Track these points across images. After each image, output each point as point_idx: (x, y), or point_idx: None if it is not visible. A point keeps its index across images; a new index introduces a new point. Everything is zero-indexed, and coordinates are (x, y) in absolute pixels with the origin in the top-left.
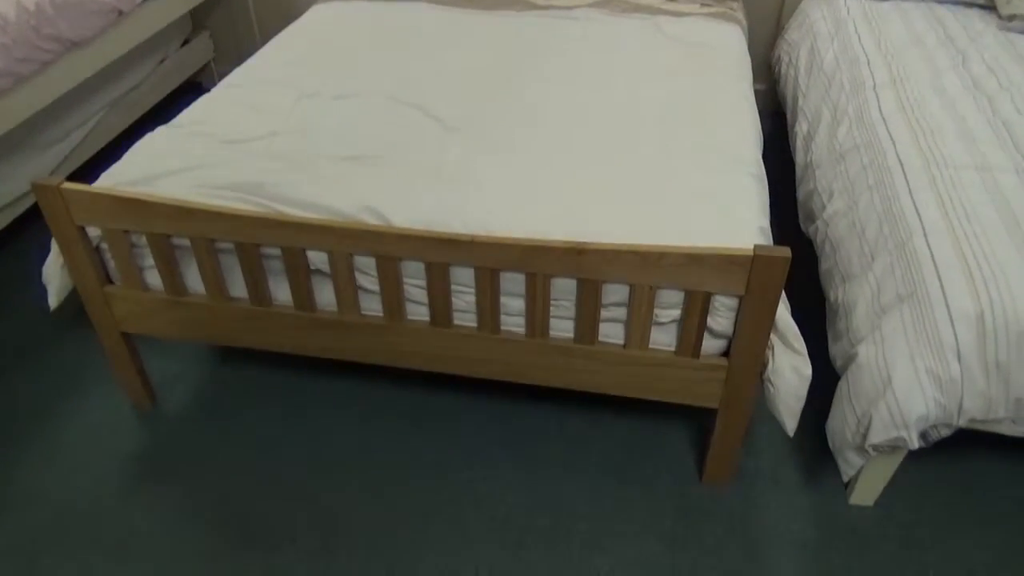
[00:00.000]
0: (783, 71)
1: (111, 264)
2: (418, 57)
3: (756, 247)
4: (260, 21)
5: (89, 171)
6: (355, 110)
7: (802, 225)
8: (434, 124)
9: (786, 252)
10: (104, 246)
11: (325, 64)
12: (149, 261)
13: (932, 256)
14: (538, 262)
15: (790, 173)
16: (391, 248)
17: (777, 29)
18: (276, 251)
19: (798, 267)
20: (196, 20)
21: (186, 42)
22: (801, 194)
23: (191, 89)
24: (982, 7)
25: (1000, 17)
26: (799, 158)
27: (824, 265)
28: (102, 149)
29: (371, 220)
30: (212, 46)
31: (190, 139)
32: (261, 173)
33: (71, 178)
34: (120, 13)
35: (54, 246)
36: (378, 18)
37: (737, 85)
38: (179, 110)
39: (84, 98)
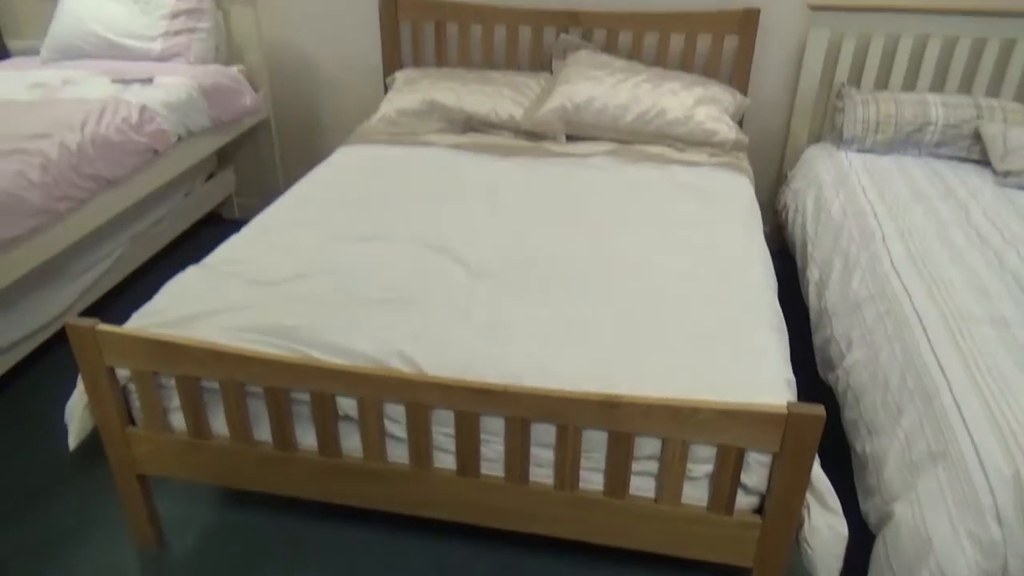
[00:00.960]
0: (790, 217)
1: (135, 404)
2: (442, 201)
3: (789, 405)
4: (283, 156)
5: (109, 303)
6: (383, 253)
7: (820, 372)
8: (461, 269)
9: (819, 411)
10: (131, 387)
11: (352, 207)
12: (175, 402)
13: (961, 414)
14: (571, 414)
15: (797, 311)
16: (423, 396)
17: (779, 175)
18: (304, 395)
19: None
20: (221, 154)
21: (211, 176)
22: (818, 340)
23: (211, 220)
24: (977, 162)
25: (995, 173)
26: (812, 303)
27: (848, 415)
28: (122, 280)
29: (402, 366)
30: (235, 179)
31: (222, 280)
32: (292, 316)
33: (89, 311)
34: (155, 152)
35: (80, 385)
36: (402, 162)
37: (750, 234)
38: (199, 241)
39: (109, 232)
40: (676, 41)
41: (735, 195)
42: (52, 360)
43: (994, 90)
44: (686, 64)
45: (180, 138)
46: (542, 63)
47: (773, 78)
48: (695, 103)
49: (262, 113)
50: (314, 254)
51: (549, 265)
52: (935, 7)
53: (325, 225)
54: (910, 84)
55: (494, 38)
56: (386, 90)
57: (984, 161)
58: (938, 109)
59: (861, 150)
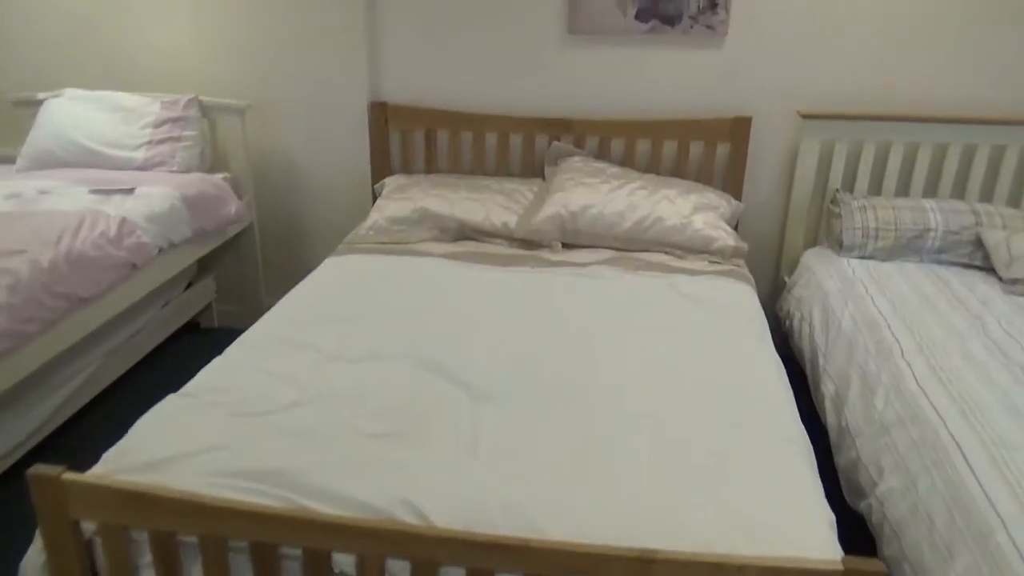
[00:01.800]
0: (795, 326)
1: (100, 560)
2: (437, 315)
3: (845, 561)
4: (267, 263)
5: (83, 419)
6: (378, 376)
7: (848, 497)
8: (462, 393)
9: (878, 567)
10: (96, 539)
11: (343, 323)
12: (146, 558)
13: (1021, 555)
14: (600, 571)
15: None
16: (431, 552)
17: (775, 280)
18: (296, 551)
19: (850, 544)
20: (202, 261)
21: (190, 284)
22: (842, 461)
23: (190, 328)
24: (980, 268)
25: (1002, 280)
26: (831, 420)
27: (888, 550)
28: (99, 394)
29: (405, 515)
30: (215, 287)
31: (204, 412)
32: (282, 456)
33: (63, 430)
34: (134, 267)
35: (38, 540)
36: (393, 274)
37: (763, 348)
38: (178, 350)
39: (82, 349)
40: (669, 148)
41: (741, 305)
42: (6, 499)
43: (987, 195)
44: (679, 170)
45: (161, 250)
46: (534, 169)
47: (766, 183)
48: (692, 210)
49: (245, 220)
50: (304, 379)
51: (556, 386)
52: (924, 116)
53: (315, 344)
54: (903, 190)
55: (485, 145)
56: (375, 197)
57: (987, 268)
58: (936, 215)
59: (862, 256)
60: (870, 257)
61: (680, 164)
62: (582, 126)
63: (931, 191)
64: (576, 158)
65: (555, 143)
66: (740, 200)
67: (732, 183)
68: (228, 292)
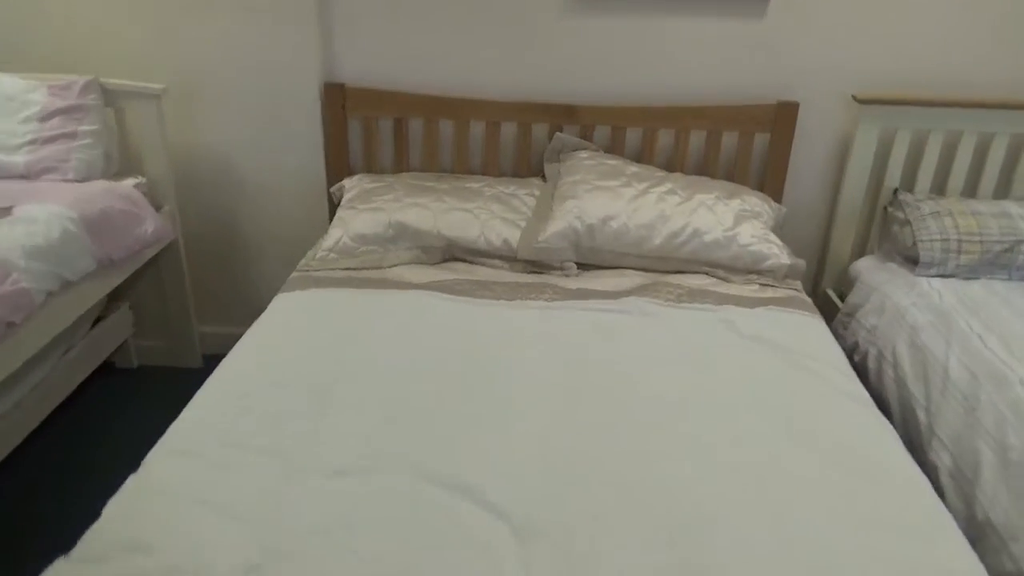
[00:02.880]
0: (871, 365)
1: None
2: (439, 388)
3: None
4: (197, 286)
5: None
6: (370, 503)
7: None
8: (501, 528)
9: None
10: None
11: (309, 406)
12: None
13: None
14: None
15: None
16: None
17: (814, 294)
18: None
19: None
20: (113, 290)
21: (99, 319)
22: (994, 563)
23: (103, 370)
24: None
25: None
26: (953, 503)
27: None
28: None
29: None
30: (131, 319)
31: None
32: None
33: None
34: (10, 325)
35: None
36: (368, 319)
37: (864, 409)
38: (87, 401)
39: None
40: (696, 139)
41: (820, 350)
42: None
43: None
44: (709, 167)
45: (51, 294)
46: (530, 166)
47: (808, 181)
48: (735, 219)
49: (167, 238)
50: (260, 516)
51: (625, 500)
52: (1002, 101)
53: (272, 447)
54: (969, 190)
55: (469, 137)
56: (331, 201)
57: None
58: (1022, 222)
59: (942, 274)
60: (951, 275)
61: (709, 159)
62: (590, 113)
63: (1002, 192)
64: (584, 153)
65: (558, 134)
66: (780, 202)
67: (772, 182)
68: (149, 323)
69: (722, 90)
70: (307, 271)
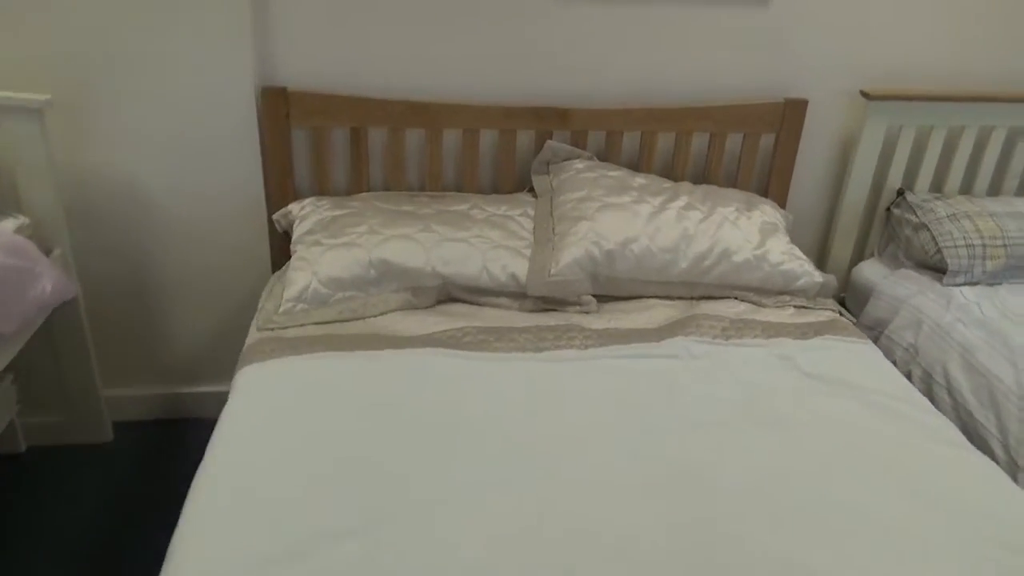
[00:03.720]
0: (919, 387)
1: None
2: (461, 464)
3: None
4: (103, 348)
5: None
6: None
7: None
8: None
9: None
10: None
11: (354, 516)
12: None
13: None
14: None
15: None
16: None
17: None
18: None
19: None
20: None
21: None
22: None
23: None
24: None
25: None
26: None
27: None
28: None
29: None
30: (15, 396)
31: None
32: None
33: None
34: None
35: None
36: (375, 391)
37: (957, 452)
38: None
39: None
40: (698, 142)
41: (890, 385)
42: None
43: None
44: (710, 174)
45: None
46: (514, 181)
47: (805, 184)
48: (760, 234)
49: (70, 293)
50: None
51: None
52: (1008, 95)
53: None
54: (966, 186)
55: (442, 148)
56: (272, 231)
57: None
58: None
59: (969, 282)
60: (975, 282)
61: (712, 164)
62: (585, 117)
63: (996, 187)
64: (579, 163)
65: (550, 142)
66: (785, 208)
67: (778, 187)
68: (40, 396)
69: (722, 88)
70: (272, 330)
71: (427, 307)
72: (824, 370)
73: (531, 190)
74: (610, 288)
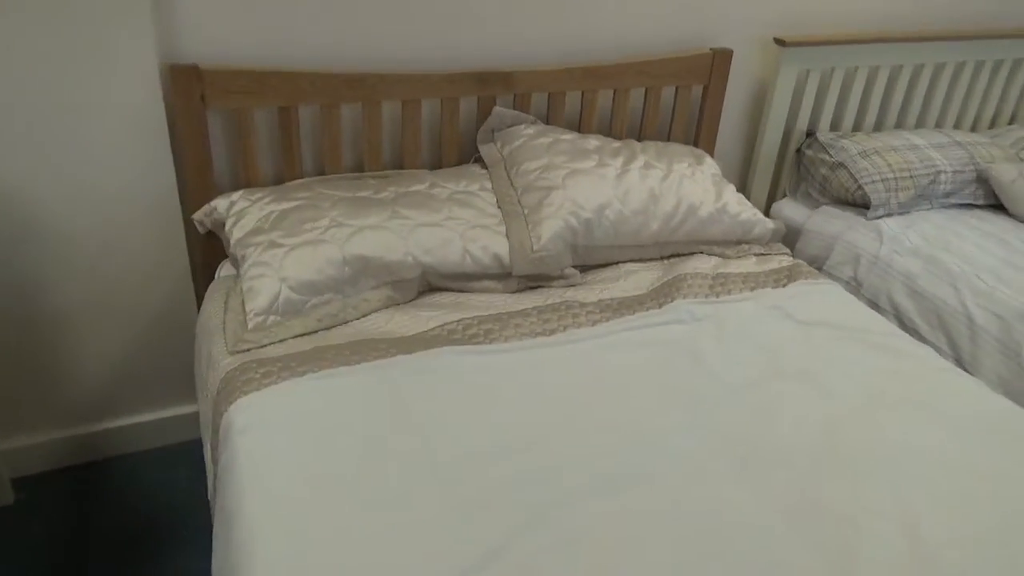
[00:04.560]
0: None
1: None
2: (570, 466)
3: None
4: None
5: None
6: None
7: None
8: None
9: None
10: None
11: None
12: None
13: None
14: None
15: None
16: None
17: None
18: None
19: None
20: None
21: None
22: None
23: None
24: (985, 207)
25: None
26: None
27: None
28: None
29: None
30: None
31: None
32: None
33: None
34: None
35: None
36: (400, 415)
37: (992, 400)
38: None
39: None
40: (635, 98)
41: (872, 321)
42: None
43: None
44: (646, 129)
45: None
46: (459, 152)
47: (724, 130)
48: (715, 187)
49: None
50: None
51: None
52: (906, 35)
53: None
54: (858, 125)
55: (381, 121)
56: (191, 235)
57: (994, 205)
58: (934, 153)
59: (887, 214)
60: (891, 214)
61: (649, 118)
62: (527, 79)
63: (879, 125)
64: (528, 129)
65: (497, 108)
66: (713, 157)
67: (706, 136)
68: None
69: (649, 43)
70: (248, 350)
71: (410, 301)
72: (814, 316)
73: (477, 160)
74: (587, 257)
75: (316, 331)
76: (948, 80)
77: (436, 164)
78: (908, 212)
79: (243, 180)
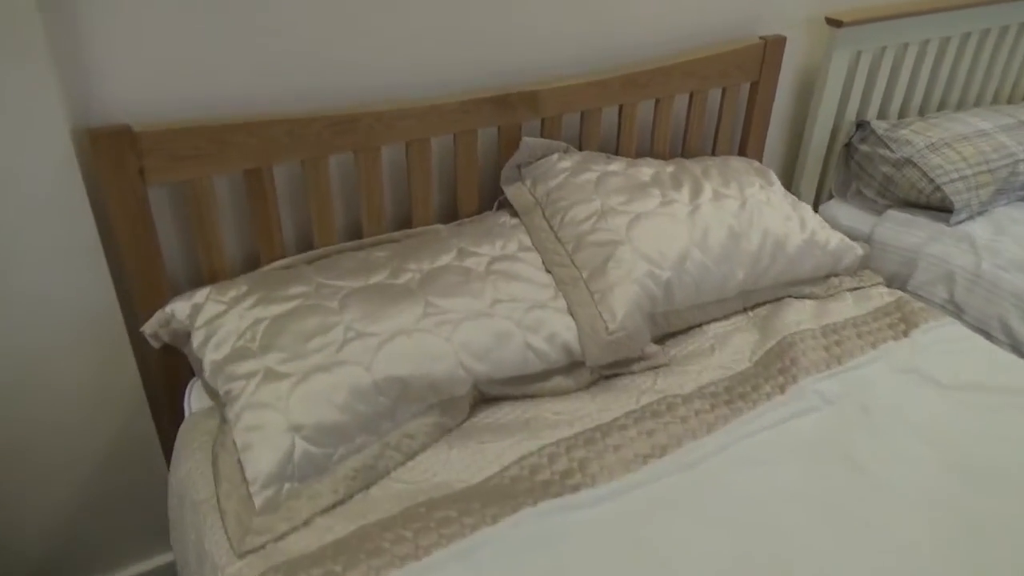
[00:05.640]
0: None
1: None
2: None
3: None
4: None
5: None
6: None
7: None
8: None
9: None
10: None
11: None
12: None
13: None
14: None
15: None
16: None
17: None
18: None
19: None
20: None
21: None
22: None
23: None
24: None
25: None
26: None
27: None
28: None
29: None
30: None
31: None
32: None
33: None
34: None
35: None
36: None
37: None
38: None
39: None
40: (678, 104)
41: (1008, 371)
42: None
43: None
44: (690, 142)
45: None
46: (478, 199)
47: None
48: (796, 211)
49: None
50: None
51: None
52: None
53: None
54: (905, 110)
55: (381, 171)
56: (141, 356)
57: None
58: (1004, 137)
59: (968, 218)
60: (972, 217)
61: (693, 128)
62: (556, 98)
63: (927, 106)
64: (559, 159)
65: (526, 139)
66: (762, 162)
67: (754, 142)
68: None
69: (688, 33)
70: (263, 547)
71: (460, 423)
72: (960, 377)
73: (501, 204)
74: (665, 325)
75: (352, 496)
76: (990, 50)
77: (450, 214)
78: (986, 211)
79: (205, 269)
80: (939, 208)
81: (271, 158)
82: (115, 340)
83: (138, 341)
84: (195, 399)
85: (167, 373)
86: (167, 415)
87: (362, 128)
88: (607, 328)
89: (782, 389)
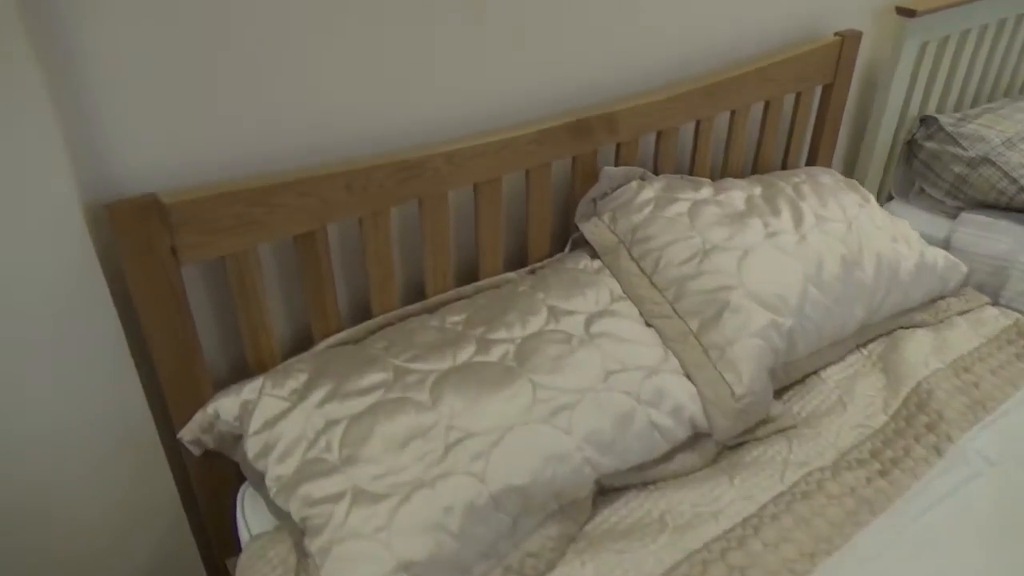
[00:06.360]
0: None
1: None
2: None
3: None
4: None
5: None
6: None
7: None
8: None
9: None
10: None
11: None
12: None
13: None
14: None
15: None
16: None
17: None
18: None
19: None
20: None
21: None
22: None
23: None
24: None
25: None
26: None
27: None
28: None
29: None
30: None
31: None
32: None
33: None
34: None
35: None
36: None
37: None
38: None
39: None
40: (753, 114)
41: None
42: None
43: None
44: (763, 154)
45: None
46: (549, 240)
47: None
48: (900, 231)
49: None
50: None
51: None
52: None
53: None
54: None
55: (448, 219)
56: (179, 465)
57: None
58: None
59: None
60: None
61: (767, 139)
62: (634, 118)
63: (980, 95)
64: (641, 189)
65: (607, 169)
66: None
67: (824, 149)
68: None
69: (747, 35)
70: None
71: (583, 523)
72: None
73: (576, 243)
74: (784, 379)
75: None
76: None
77: (519, 258)
78: None
79: (250, 354)
80: (1018, 209)
81: (326, 217)
82: (148, 454)
83: (173, 445)
84: (251, 515)
85: (210, 480)
86: (215, 535)
87: (428, 172)
88: (733, 393)
89: (939, 451)
